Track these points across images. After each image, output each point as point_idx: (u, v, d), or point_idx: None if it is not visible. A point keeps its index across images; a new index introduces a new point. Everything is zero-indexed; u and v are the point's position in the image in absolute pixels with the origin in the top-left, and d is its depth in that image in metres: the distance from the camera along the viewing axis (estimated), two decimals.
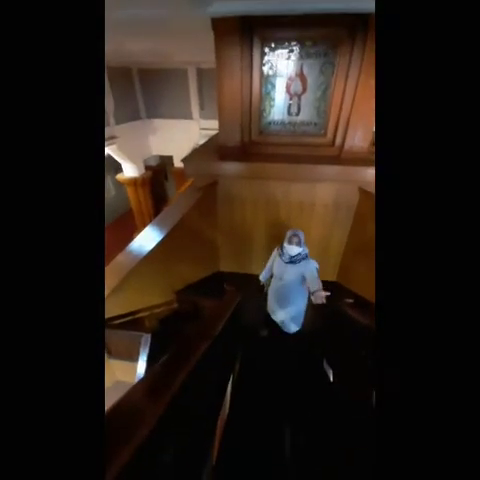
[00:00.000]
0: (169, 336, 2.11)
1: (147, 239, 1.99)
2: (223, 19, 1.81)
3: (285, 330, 2.09)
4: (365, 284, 2.34)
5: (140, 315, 2.14)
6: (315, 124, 2.24)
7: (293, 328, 2.06)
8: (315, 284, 1.58)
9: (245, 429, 0.77)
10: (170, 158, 5.98)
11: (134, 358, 1.90)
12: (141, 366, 1.89)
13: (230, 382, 1.87)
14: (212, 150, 2.46)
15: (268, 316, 2.16)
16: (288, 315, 2.01)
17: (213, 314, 1.62)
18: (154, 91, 5.29)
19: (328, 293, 1.43)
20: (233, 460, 0.90)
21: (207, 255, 2.70)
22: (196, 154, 2.50)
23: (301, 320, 2.05)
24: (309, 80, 2.09)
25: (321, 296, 1.42)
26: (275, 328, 2.14)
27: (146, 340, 2.06)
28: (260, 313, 2.28)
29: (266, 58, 2.04)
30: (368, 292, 2.29)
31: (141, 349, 2.01)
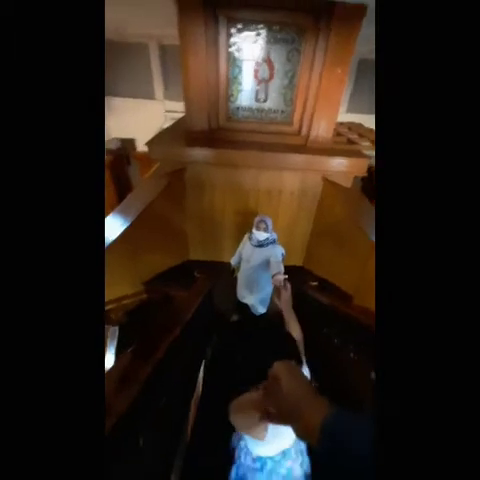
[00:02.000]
0: (138, 327, 2.06)
1: (110, 228, 1.88)
2: None
3: (253, 312, 2.18)
4: (329, 268, 2.50)
5: (106, 308, 2.05)
6: (282, 112, 2.25)
7: (261, 310, 2.15)
8: (276, 267, 1.64)
9: (218, 409, 0.82)
10: (132, 141, 5.61)
11: None
12: (108, 359, 1.84)
13: (202, 367, 1.90)
14: (179, 134, 2.36)
15: (238, 301, 2.22)
16: (257, 299, 2.08)
17: (183, 302, 1.62)
18: (113, 66, 4.83)
19: (286, 276, 1.50)
20: (206, 438, 0.95)
21: (175, 244, 2.64)
22: (162, 137, 2.38)
23: (268, 302, 2.15)
24: (276, 66, 2.08)
25: (279, 279, 1.48)
26: (245, 312, 2.21)
27: (113, 332, 2.00)
28: (231, 299, 2.33)
29: (232, 39, 1.98)
30: (332, 275, 2.45)
31: (108, 342, 1.95)
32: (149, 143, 2.16)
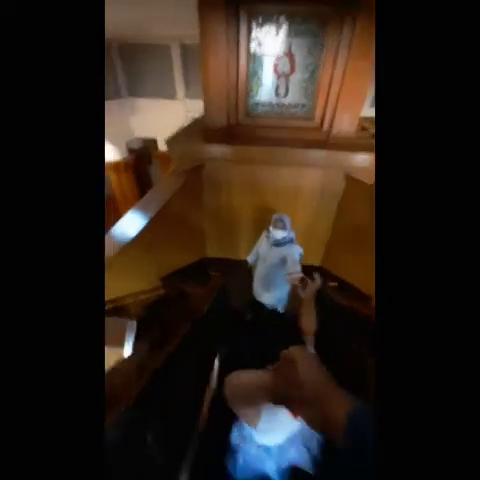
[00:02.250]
0: (155, 322, 2.10)
1: (129, 225, 1.93)
2: None
3: (269, 310, 2.14)
4: (349, 269, 2.40)
5: (125, 302, 2.11)
6: (303, 106, 2.19)
7: (278, 309, 2.11)
8: (292, 266, 1.61)
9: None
10: (153, 141, 5.75)
11: (119, 344, 1.89)
12: (128, 351, 1.88)
13: (217, 362, 1.90)
14: (197, 132, 2.38)
15: (253, 299, 2.19)
16: (273, 298, 2.05)
17: (198, 299, 1.62)
18: (136, 68, 4.99)
19: (302, 275, 1.46)
20: (219, 432, 0.95)
21: (193, 240, 2.67)
22: (181, 135, 2.40)
23: (284, 301, 2.10)
24: (297, 60, 2.02)
25: (294, 278, 1.45)
26: (260, 311, 2.18)
27: (132, 326, 2.05)
28: (247, 297, 2.31)
29: (253, 34, 1.95)
30: (352, 277, 2.36)
31: (127, 335, 2.00)
32: (168, 141, 2.19)
